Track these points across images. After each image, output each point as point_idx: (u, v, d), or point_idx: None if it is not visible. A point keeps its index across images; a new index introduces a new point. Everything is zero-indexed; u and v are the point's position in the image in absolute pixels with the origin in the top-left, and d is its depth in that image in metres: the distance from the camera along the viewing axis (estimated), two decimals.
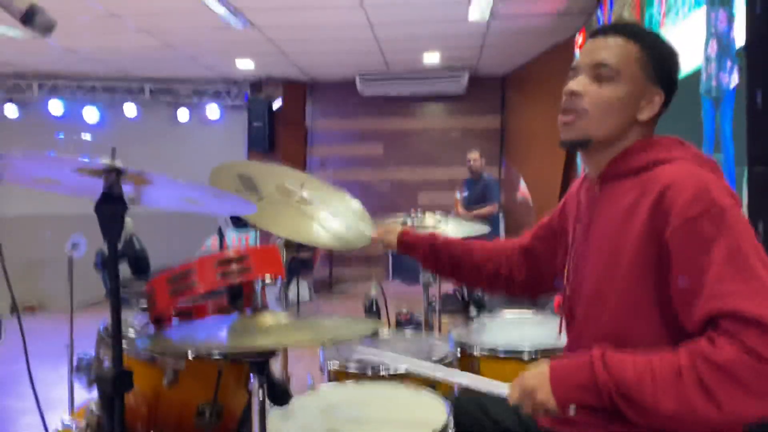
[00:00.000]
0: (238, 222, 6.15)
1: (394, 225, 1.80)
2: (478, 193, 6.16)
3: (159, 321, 1.51)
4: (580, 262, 1.34)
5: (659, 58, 1.28)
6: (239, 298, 1.49)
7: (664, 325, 1.16)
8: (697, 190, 1.11)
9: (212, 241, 6.10)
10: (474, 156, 6.26)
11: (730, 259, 1.04)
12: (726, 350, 0.99)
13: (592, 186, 1.35)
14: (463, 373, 1.32)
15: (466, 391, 1.95)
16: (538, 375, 1.16)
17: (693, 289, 1.07)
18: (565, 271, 1.41)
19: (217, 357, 1.58)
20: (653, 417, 1.04)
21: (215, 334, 1.37)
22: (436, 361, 1.91)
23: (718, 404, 0.99)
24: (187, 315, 1.56)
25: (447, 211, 2.59)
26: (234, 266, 1.45)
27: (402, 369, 1.65)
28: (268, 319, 1.34)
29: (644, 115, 1.27)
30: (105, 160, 1.12)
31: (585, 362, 1.10)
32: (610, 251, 1.22)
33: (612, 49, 1.27)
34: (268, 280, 1.49)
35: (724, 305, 1.02)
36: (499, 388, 1.21)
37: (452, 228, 2.43)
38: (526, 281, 1.64)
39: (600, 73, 1.26)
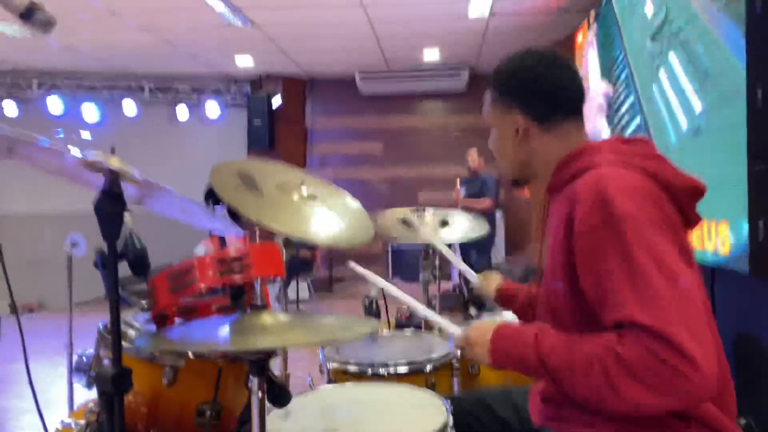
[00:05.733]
0: (237, 221, 6.14)
1: (495, 274, 1.87)
2: (475, 190, 6.19)
3: (161, 319, 1.51)
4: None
5: (507, 86, 1.37)
6: (241, 297, 1.49)
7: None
8: (596, 200, 1.12)
9: (210, 241, 6.08)
10: (472, 154, 6.30)
11: (623, 269, 1.07)
12: (630, 348, 1.03)
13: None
14: (425, 307, 1.50)
15: (466, 391, 1.97)
16: (483, 334, 1.25)
17: (597, 298, 1.12)
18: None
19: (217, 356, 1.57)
20: (574, 400, 1.12)
21: (215, 333, 1.36)
22: (436, 360, 1.92)
23: (619, 395, 1.04)
24: (190, 314, 1.55)
25: (447, 207, 2.59)
26: (234, 264, 1.45)
27: (380, 286, 1.61)
28: (268, 318, 1.34)
29: (527, 144, 1.35)
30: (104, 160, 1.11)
31: (524, 339, 1.18)
32: (549, 264, 1.27)
33: (485, 104, 1.45)
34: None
35: (620, 315, 1.06)
36: (452, 329, 1.36)
37: (455, 227, 2.43)
38: None
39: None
